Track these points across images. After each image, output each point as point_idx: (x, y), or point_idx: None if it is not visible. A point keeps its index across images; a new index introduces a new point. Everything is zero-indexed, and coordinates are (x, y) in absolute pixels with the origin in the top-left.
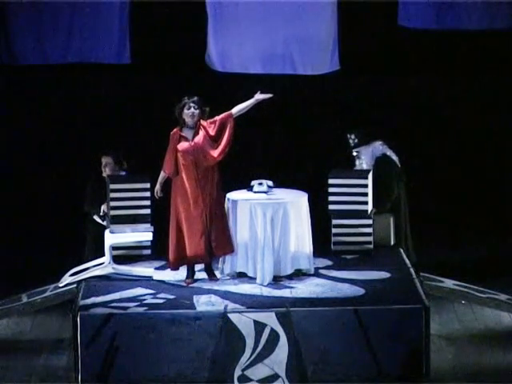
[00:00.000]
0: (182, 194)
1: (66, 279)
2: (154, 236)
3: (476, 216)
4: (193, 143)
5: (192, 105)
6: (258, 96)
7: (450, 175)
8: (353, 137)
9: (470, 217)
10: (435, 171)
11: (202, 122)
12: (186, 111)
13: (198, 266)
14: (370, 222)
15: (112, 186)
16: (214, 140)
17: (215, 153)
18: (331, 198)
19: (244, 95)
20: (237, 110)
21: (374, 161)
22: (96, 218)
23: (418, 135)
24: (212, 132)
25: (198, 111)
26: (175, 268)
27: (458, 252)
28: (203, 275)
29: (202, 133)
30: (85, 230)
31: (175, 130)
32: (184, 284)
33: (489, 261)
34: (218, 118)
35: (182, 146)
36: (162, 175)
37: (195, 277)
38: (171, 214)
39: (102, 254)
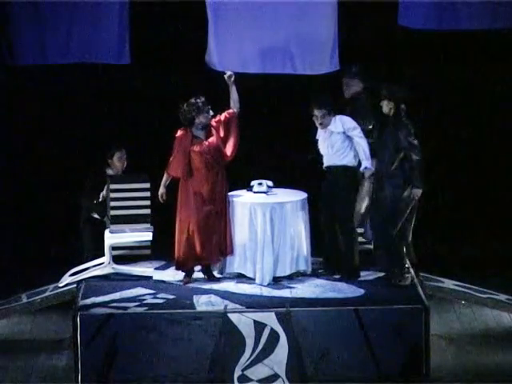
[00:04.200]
0: (194, 195)
1: (66, 279)
2: (153, 236)
3: (476, 215)
4: (207, 143)
5: (209, 107)
6: (228, 77)
7: (449, 175)
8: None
9: (471, 216)
10: (435, 171)
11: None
12: (205, 114)
13: (197, 267)
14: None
15: (112, 186)
16: (223, 139)
17: (228, 151)
18: None
19: (244, 95)
20: (233, 104)
21: None
22: (94, 214)
23: (418, 135)
24: (221, 132)
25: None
26: (186, 269)
27: (457, 251)
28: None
29: (213, 132)
30: (82, 230)
31: (182, 131)
32: (184, 284)
33: (489, 260)
34: (221, 117)
35: (198, 146)
36: (166, 178)
37: (196, 277)
38: (179, 215)
39: (102, 254)
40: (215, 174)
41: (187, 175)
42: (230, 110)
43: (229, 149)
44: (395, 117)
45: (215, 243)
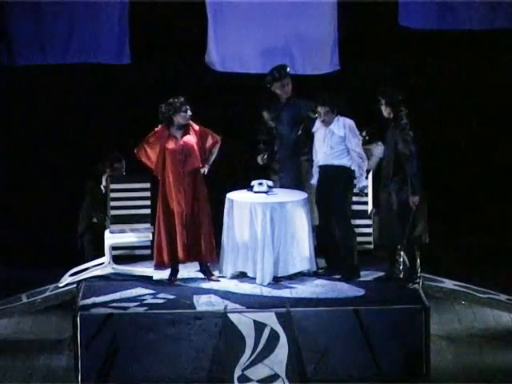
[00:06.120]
0: (165, 194)
1: (66, 279)
2: (153, 236)
3: (477, 215)
4: (182, 142)
5: (188, 107)
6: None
7: (448, 175)
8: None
9: (470, 215)
10: (434, 171)
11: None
12: (182, 114)
13: (196, 267)
14: (369, 222)
15: (112, 186)
16: (198, 144)
17: (199, 160)
18: None
19: (243, 95)
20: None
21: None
22: (94, 219)
23: (418, 134)
24: (199, 140)
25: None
26: (160, 268)
27: (457, 251)
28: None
29: (191, 133)
30: (83, 236)
31: (160, 128)
32: (184, 284)
33: (489, 260)
34: (209, 138)
35: (171, 144)
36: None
37: (196, 276)
38: (156, 214)
39: (102, 254)
40: (187, 175)
41: (161, 174)
42: (217, 139)
43: (201, 160)
44: (395, 121)
45: (181, 244)
